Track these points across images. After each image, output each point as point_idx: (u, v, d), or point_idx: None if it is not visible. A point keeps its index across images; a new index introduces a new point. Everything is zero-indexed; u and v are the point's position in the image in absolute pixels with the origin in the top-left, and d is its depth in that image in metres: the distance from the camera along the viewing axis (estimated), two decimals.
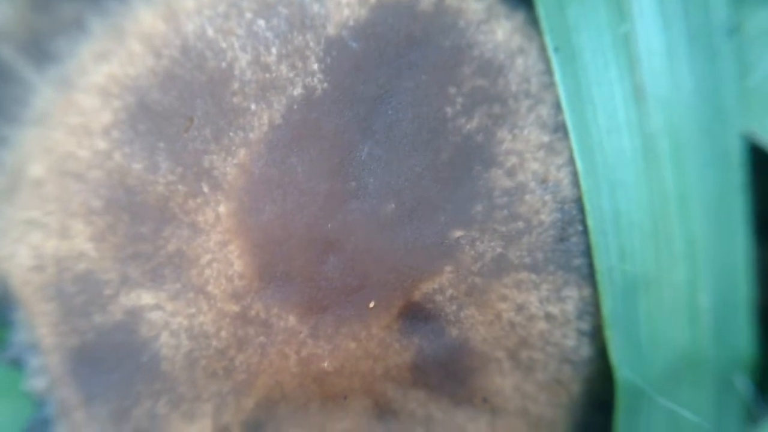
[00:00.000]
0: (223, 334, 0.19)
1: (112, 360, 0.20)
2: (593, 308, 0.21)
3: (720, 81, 0.21)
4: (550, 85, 0.21)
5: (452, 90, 0.20)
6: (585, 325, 0.21)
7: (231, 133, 0.19)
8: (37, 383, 0.21)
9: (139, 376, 0.20)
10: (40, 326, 0.20)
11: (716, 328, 0.22)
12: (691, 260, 0.21)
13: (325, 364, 0.19)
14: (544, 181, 0.20)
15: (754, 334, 0.22)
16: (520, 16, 0.21)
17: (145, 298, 0.20)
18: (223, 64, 0.20)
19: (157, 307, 0.20)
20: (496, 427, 0.21)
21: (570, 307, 0.21)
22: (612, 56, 0.21)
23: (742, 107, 0.22)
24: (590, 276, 0.21)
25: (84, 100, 0.21)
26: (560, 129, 0.21)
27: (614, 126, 0.21)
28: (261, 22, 0.20)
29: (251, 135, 0.19)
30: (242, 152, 0.19)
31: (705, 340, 0.22)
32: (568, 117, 0.20)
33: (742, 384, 0.22)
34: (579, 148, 0.20)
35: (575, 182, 0.20)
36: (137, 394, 0.20)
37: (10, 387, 0.22)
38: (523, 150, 0.20)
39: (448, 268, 0.20)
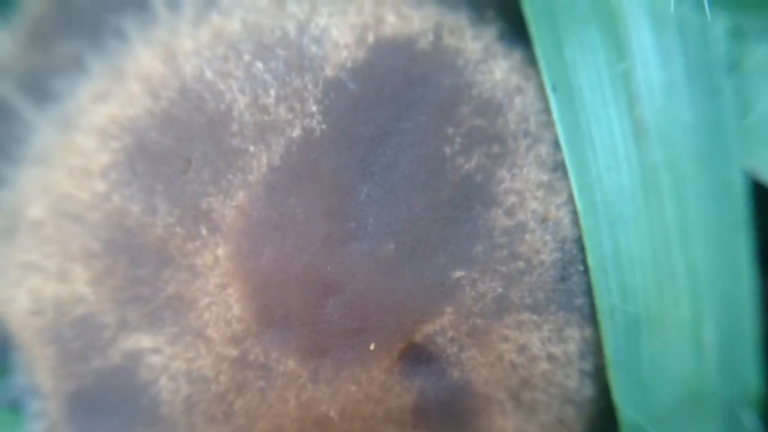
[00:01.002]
0: (222, 378, 0.19)
1: (111, 404, 0.20)
2: (595, 348, 0.21)
3: (720, 116, 0.21)
4: (549, 123, 0.21)
5: (451, 130, 0.20)
6: (587, 365, 0.21)
7: (230, 175, 0.19)
8: (36, 427, 0.21)
9: (138, 420, 0.20)
10: (40, 370, 0.20)
11: (722, 362, 0.22)
12: (694, 295, 0.21)
13: (326, 408, 0.19)
14: (544, 221, 0.20)
15: (761, 368, 0.22)
16: (517, 55, 0.21)
17: (144, 341, 0.20)
18: (222, 106, 0.20)
19: (156, 350, 0.20)
20: None
21: (572, 347, 0.20)
22: (611, 94, 0.21)
23: (743, 143, 0.22)
24: (592, 316, 0.21)
25: (83, 140, 0.21)
26: (559, 168, 0.21)
27: (614, 163, 0.21)
28: (259, 65, 0.20)
29: (250, 177, 0.19)
30: (241, 194, 0.19)
31: (710, 375, 0.22)
32: (566, 155, 0.20)
33: (750, 419, 0.22)
34: (578, 186, 0.20)
35: (575, 221, 0.20)
36: None
37: (10, 429, 0.22)
38: (523, 189, 0.20)
39: (449, 309, 0.20)
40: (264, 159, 0.19)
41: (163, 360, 0.20)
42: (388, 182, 0.20)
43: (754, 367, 0.22)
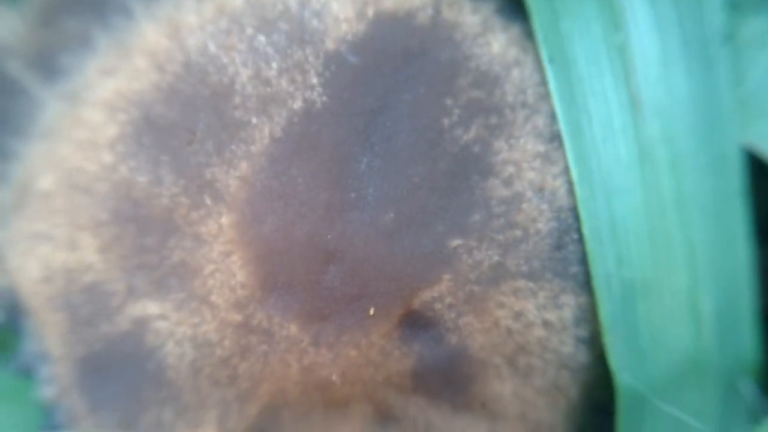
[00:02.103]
0: (227, 343, 0.20)
1: (119, 369, 0.20)
2: (591, 315, 0.21)
3: (715, 88, 0.22)
4: (546, 95, 0.21)
5: (449, 102, 0.20)
6: (582, 332, 0.21)
7: (233, 146, 0.20)
8: (46, 392, 0.21)
9: (145, 385, 0.20)
10: (50, 336, 0.21)
11: (719, 332, 0.22)
12: (691, 265, 0.22)
13: (327, 372, 0.20)
14: (540, 190, 0.21)
15: (758, 338, 0.22)
16: (515, 29, 0.22)
17: (151, 308, 0.20)
18: (225, 79, 0.20)
19: (162, 317, 0.20)
20: (495, 431, 0.21)
21: (567, 314, 0.21)
22: (607, 66, 0.21)
23: (738, 113, 0.22)
24: (587, 284, 0.21)
25: (90, 114, 0.21)
26: (556, 139, 0.21)
27: (609, 134, 0.21)
28: (262, 38, 0.20)
29: (253, 148, 0.20)
30: (244, 165, 0.20)
31: (708, 344, 0.22)
32: (562, 126, 0.21)
33: (747, 388, 0.22)
34: (574, 156, 0.21)
35: (571, 191, 0.21)
36: (144, 402, 0.20)
37: (21, 395, 0.23)
38: (520, 160, 0.21)
39: (446, 277, 0.20)
40: (266, 130, 0.20)
41: (169, 325, 0.20)
42: (388, 153, 0.20)
43: (752, 337, 0.22)
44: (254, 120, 0.20)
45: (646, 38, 0.21)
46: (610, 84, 0.21)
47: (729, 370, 0.22)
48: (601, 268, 0.21)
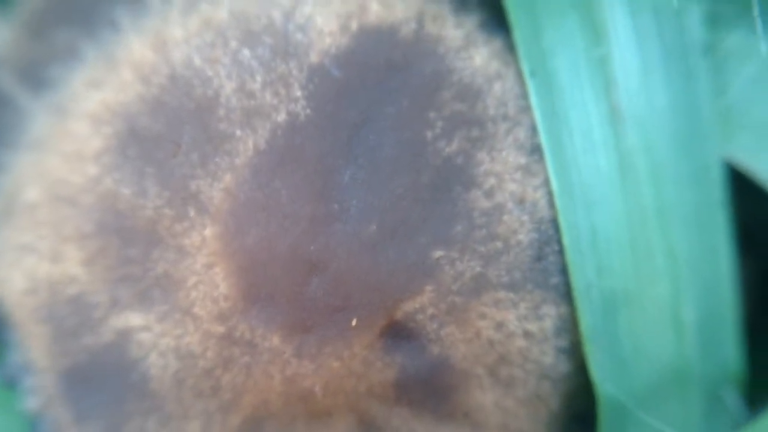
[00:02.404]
0: (210, 354, 0.20)
1: (103, 380, 0.21)
2: (571, 326, 0.21)
3: (695, 100, 0.22)
4: (527, 108, 0.21)
5: (432, 114, 0.21)
6: (563, 342, 0.21)
7: (217, 159, 0.20)
8: (31, 402, 0.21)
9: (129, 396, 0.20)
10: (34, 348, 0.21)
11: (702, 342, 0.22)
12: (672, 275, 0.22)
13: (310, 383, 0.20)
14: (521, 202, 0.21)
15: (741, 348, 0.23)
16: (497, 43, 0.22)
17: (134, 319, 0.20)
18: (210, 92, 0.20)
19: (146, 328, 0.20)
20: None
21: (548, 324, 0.21)
22: (587, 78, 0.21)
23: (719, 126, 0.22)
24: (568, 294, 0.21)
25: (77, 126, 0.22)
26: (537, 151, 0.21)
27: (590, 146, 0.21)
28: (246, 51, 0.21)
29: (237, 160, 0.20)
30: (228, 177, 0.20)
31: (690, 354, 0.22)
32: (543, 138, 0.21)
33: (731, 398, 0.22)
34: (554, 168, 0.21)
35: (552, 203, 0.21)
36: (127, 413, 0.20)
37: (6, 405, 0.23)
38: (502, 171, 0.21)
39: (428, 288, 0.20)
40: (250, 143, 0.20)
41: (153, 337, 0.20)
42: (371, 165, 0.20)
43: (735, 348, 0.22)
44: (238, 132, 0.20)
45: (626, 51, 0.21)
46: (591, 96, 0.21)
47: (712, 379, 0.22)
48: (581, 278, 0.21)
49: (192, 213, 0.20)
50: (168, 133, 0.21)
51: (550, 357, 0.21)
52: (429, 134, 0.20)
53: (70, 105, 0.22)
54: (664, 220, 0.22)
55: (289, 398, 0.20)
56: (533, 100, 0.21)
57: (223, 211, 0.20)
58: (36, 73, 0.24)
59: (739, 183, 0.23)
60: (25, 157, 0.23)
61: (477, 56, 0.21)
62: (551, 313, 0.21)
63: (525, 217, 0.21)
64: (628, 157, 0.21)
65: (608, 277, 0.21)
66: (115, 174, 0.21)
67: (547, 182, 0.21)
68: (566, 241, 0.21)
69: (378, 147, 0.20)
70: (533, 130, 0.21)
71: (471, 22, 0.22)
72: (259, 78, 0.20)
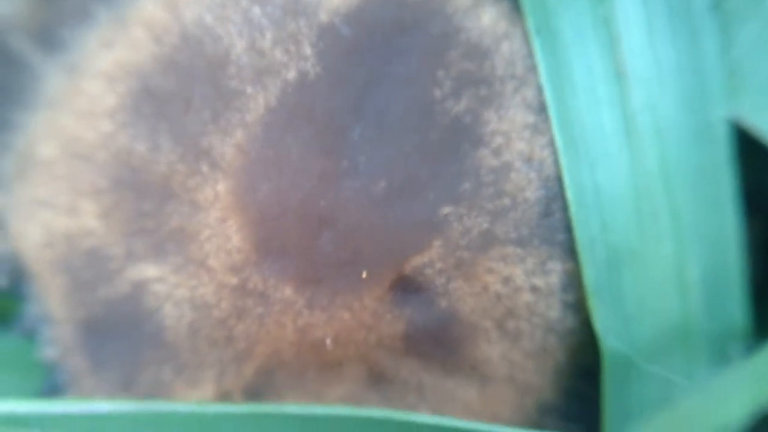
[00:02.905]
0: (223, 304, 0.21)
1: (119, 330, 0.21)
2: (577, 281, 0.22)
3: (702, 58, 0.22)
4: (535, 67, 0.21)
5: (441, 73, 0.21)
6: (569, 297, 0.22)
7: (228, 115, 0.20)
8: (49, 353, 0.22)
9: (144, 345, 0.21)
10: (52, 299, 0.22)
11: (706, 300, 0.22)
12: (677, 233, 0.22)
13: (321, 334, 0.20)
14: (529, 160, 0.21)
15: (746, 306, 0.23)
16: (505, 3, 0.22)
17: (149, 271, 0.21)
18: (221, 50, 0.21)
19: (161, 279, 0.21)
20: (484, 393, 0.22)
21: (554, 279, 0.22)
22: (592, 37, 0.21)
23: (725, 85, 0.22)
24: (574, 251, 0.22)
25: (90, 85, 0.22)
26: (545, 110, 0.21)
27: (594, 104, 0.21)
28: (256, 9, 0.21)
29: (248, 117, 0.20)
30: (239, 133, 0.20)
31: (695, 312, 0.22)
32: (548, 95, 0.21)
33: (737, 355, 0.23)
34: (558, 125, 0.21)
35: (559, 161, 0.21)
36: (143, 362, 0.21)
37: (23, 361, 0.23)
38: (509, 130, 0.21)
39: (437, 243, 0.21)
40: (261, 100, 0.20)
41: (168, 288, 0.21)
42: (380, 123, 0.21)
43: (740, 307, 0.23)
44: (249, 90, 0.20)
45: (631, 8, 0.22)
46: (596, 54, 0.21)
47: (716, 337, 0.23)
48: (585, 233, 0.21)
49: (205, 168, 0.21)
50: (180, 90, 0.21)
51: (556, 311, 0.22)
52: (437, 93, 0.21)
53: (83, 65, 0.23)
54: (669, 179, 0.22)
55: (301, 348, 0.21)
56: (538, 57, 0.21)
57: (235, 166, 0.20)
58: (49, 35, 0.24)
59: (745, 142, 0.23)
60: (40, 116, 0.23)
61: (485, 16, 0.22)
62: (557, 269, 0.21)
63: (532, 175, 0.21)
64: (633, 116, 0.22)
65: (612, 234, 0.21)
66: (129, 130, 0.21)
67: (554, 141, 0.21)
68: (570, 195, 0.21)
69: (387, 105, 0.21)
70: (541, 89, 0.21)
71: None
72: (269, 36, 0.21)
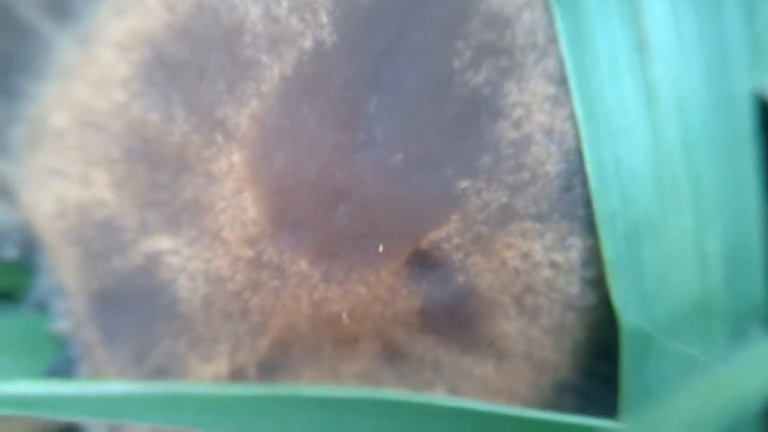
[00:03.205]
0: (238, 277, 0.20)
1: (132, 302, 0.21)
2: (597, 257, 0.21)
3: (725, 29, 0.22)
4: (556, 38, 0.21)
5: (460, 44, 0.20)
6: (589, 274, 0.21)
7: (243, 85, 0.20)
8: (61, 325, 0.22)
9: (158, 318, 0.21)
10: (64, 270, 0.21)
11: (726, 275, 0.22)
12: (697, 206, 0.22)
13: (337, 308, 0.20)
14: (549, 132, 0.21)
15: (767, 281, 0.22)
16: None
17: (163, 243, 0.21)
18: (236, 18, 0.20)
19: (175, 252, 0.21)
20: (501, 370, 0.22)
21: (574, 255, 0.21)
22: (614, 6, 0.21)
23: (748, 55, 0.22)
24: (594, 226, 0.21)
25: (103, 53, 0.22)
26: (566, 81, 0.21)
27: (615, 74, 0.21)
28: None
29: (263, 86, 0.20)
30: (254, 103, 0.20)
31: (715, 286, 0.22)
32: (569, 66, 0.21)
33: (756, 332, 0.22)
34: (579, 96, 0.21)
35: (579, 133, 0.21)
36: (157, 335, 0.21)
37: (35, 337, 0.23)
38: (530, 102, 0.21)
39: (454, 217, 0.20)
40: (276, 69, 0.20)
41: (182, 260, 0.20)
42: (398, 94, 0.20)
43: (761, 281, 0.22)
44: (264, 58, 0.20)
45: None
46: (618, 24, 0.21)
47: (736, 312, 0.22)
48: (605, 205, 0.21)
49: (219, 139, 0.20)
50: (194, 59, 0.20)
51: (575, 287, 0.21)
52: (456, 64, 0.20)
53: (96, 34, 0.22)
54: (690, 151, 0.22)
55: (316, 322, 0.20)
56: (559, 26, 0.21)
57: (250, 137, 0.20)
58: (60, 4, 0.24)
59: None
60: (51, 85, 0.23)
61: None
62: (577, 244, 0.21)
63: (553, 148, 0.21)
64: (654, 87, 0.21)
65: (632, 207, 0.21)
66: (142, 100, 0.21)
67: (575, 112, 0.21)
68: (590, 168, 0.21)
69: (404, 76, 0.20)
70: (562, 60, 0.21)
71: None
72: (285, 3, 0.20)
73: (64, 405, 0.16)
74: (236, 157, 0.20)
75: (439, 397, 0.19)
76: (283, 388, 0.17)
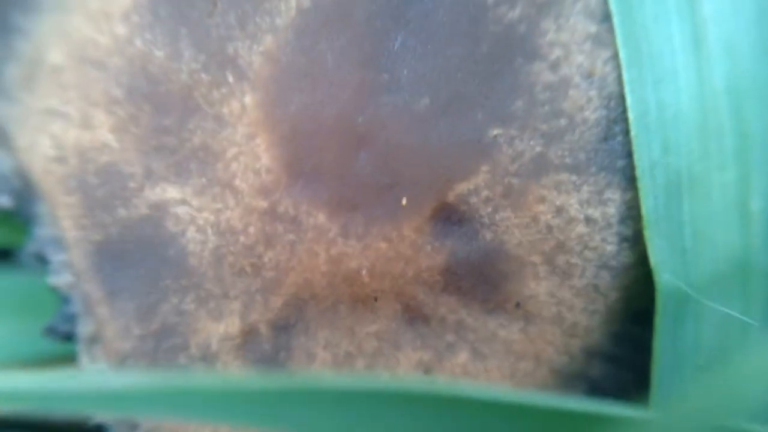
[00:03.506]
0: (251, 230, 0.19)
1: (137, 254, 0.19)
2: (637, 213, 0.20)
3: None
4: None
5: None
6: (627, 230, 0.20)
7: (257, 18, 0.18)
8: (60, 279, 0.20)
9: (165, 271, 0.19)
10: (63, 219, 0.20)
11: None
12: (742, 159, 0.20)
13: (356, 265, 0.19)
14: (589, 76, 0.19)
15: None
16: None
17: (171, 192, 0.19)
18: None
19: (183, 201, 0.19)
20: (528, 333, 0.20)
21: (612, 210, 0.20)
22: None
23: None
24: (635, 179, 0.20)
25: None
26: (609, 19, 0.19)
27: (662, 13, 0.19)
28: None
29: (278, 20, 0.18)
30: (268, 39, 0.18)
31: (756, 245, 0.21)
32: (612, 2, 0.19)
33: None
34: (623, 36, 0.19)
35: (622, 78, 0.19)
36: (164, 290, 0.19)
37: (35, 282, 0.22)
38: (569, 41, 0.19)
39: (484, 168, 0.19)
40: (293, 1, 0.18)
41: (191, 211, 0.19)
42: (425, 31, 0.19)
43: None
44: None
45: None
46: None
47: None
48: (645, 156, 0.19)
49: (230, 78, 0.19)
50: None
51: (611, 245, 0.20)
52: None
53: None
54: (737, 100, 0.20)
55: (333, 279, 0.19)
56: None
57: (264, 76, 0.18)
58: None
59: None
60: (47, 18, 0.21)
61: None
62: (616, 198, 0.20)
63: (593, 93, 0.19)
64: (703, 27, 0.20)
65: (674, 157, 0.20)
66: (145, 34, 0.19)
67: (618, 55, 0.19)
68: (632, 115, 0.19)
69: (433, 10, 0.19)
70: None
71: None
72: None
73: (66, 398, 0.15)
74: (249, 99, 0.18)
75: (474, 389, 0.17)
76: (294, 381, 0.15)
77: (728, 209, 0.20)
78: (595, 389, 0.22)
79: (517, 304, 0.20)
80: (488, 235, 0.19)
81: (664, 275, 0.20)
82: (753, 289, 0.21)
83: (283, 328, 0.20)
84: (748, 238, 0.21)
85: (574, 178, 0.19)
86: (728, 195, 0.20)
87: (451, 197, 0.19)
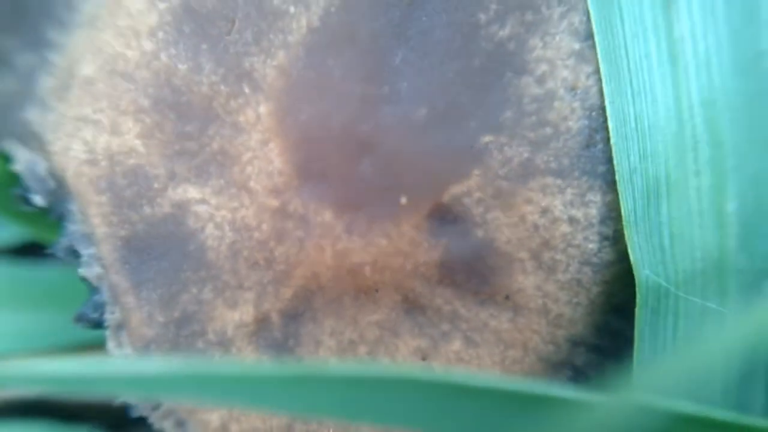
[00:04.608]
0: (264, 227, 0.21)
1: (160, 249, 0.21)
2: (616, 214, 0.22)
3: None
4: None
5: None
6: (607, 230, 0.22)
7: (271, 36, 0.20)
8: (91, 271, 0.22)
9: (186, 264, 0.21)
10: (93, 217, 0.22)
11: (745, 235, 0.22)
12: (718, 166, 0.22)
13: (359, 259, 0.21)
14: (573, 89, 0.21)
15: None
16: None
17: (191, 192, 0.21)
18: None
19: (203, 201, 0.21)
20: (517, 323, 0.22)
21: (593, 211, 0.21)
22: None
23: None
24: (615, 183, 0.21)
25: (132, 2, 0.22)
26: (591, 37, 0.21)
27: (640, 31, 0.21)
28: None
29: (290, 37, 0.20)
30: (281, 54, 0.20)
31: (732, 246, 0.22)
32: (594, 21, 0.21)
33: None
34: (603, 52, 0.21)
35: (603, 90, 0.21)
36: (184, 281, 0.21)
37: (67, 273, 0.24)
38: (554, 57, 0.21)
39: (476, 172, 0.20)
40: (303, 20, 0.20)
41: (209, 209, 0.21)
42: (423, 48, 0.20)
43: None
44: (292, 9, 0.20)
45: None
46: None
47: (753, 271, 0.22)
48: (624, 162, 0.21)
49: (246, 90, 0.20)
50: (222, 9, 0.21)
51: (593, 243, 0.22)
52: (482, 17, 0.20)
53: None
54: (711, 110, 0.22)
55: (338, 272, 0.21)
56: None
57: (277, 88, 0.20)
58: None
59: None
60: (80, 34, 0.23)
61: None
62: (597, 200, 0.21)
63: (576, 104, 0.21)
64: (679, 44, 0.21)
65: (652, 164, 0.21)
66: (170, 50, 0.21)
67: (599, 69, 0.21)
68: (611, 124, 0.21)
69: (430, 29, 0.20)
70: (588, 15, 0.21)
71: None
72: None
73: (96, 381, 0.16)
74: (263, 109, 0.20)
75: (471, 377, 0.18)
76: (312, 368, 0.17)
77: (704, 211, 0.22)
78: (579, 376, 0.24)
79: (507, 297, 0.22)
80: (480, 233, 0.21)
81: (643, 272, 0.21)
82: (729, 287, 0.23)
83: (292, 316, 0.21)
84: (724, 238, 0.22)
85: (558, 181, 0.21)
86: (704, 198, 0.22)
87: (446, 198, 0.21)
